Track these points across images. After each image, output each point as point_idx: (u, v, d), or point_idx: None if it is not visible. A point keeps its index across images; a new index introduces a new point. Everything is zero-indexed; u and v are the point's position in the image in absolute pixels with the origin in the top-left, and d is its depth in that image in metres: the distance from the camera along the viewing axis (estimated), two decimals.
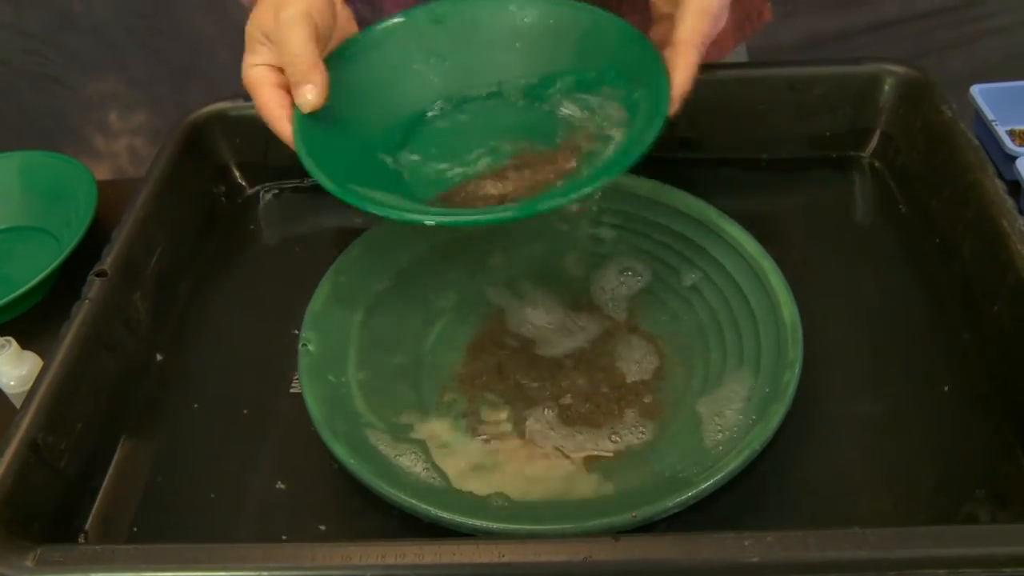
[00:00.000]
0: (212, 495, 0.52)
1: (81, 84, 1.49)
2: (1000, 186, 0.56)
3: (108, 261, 0.58)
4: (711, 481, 0.45)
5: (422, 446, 0.51)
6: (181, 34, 1.47)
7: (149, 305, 0.60)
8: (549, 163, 0.53)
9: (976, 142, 0.59)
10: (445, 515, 0.45)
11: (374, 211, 0.48)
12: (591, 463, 0.50)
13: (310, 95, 0.50)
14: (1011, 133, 0.77)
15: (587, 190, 0.48)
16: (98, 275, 0.57)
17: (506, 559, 0.40)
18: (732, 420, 0.50)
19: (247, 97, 0.70)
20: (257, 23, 0.52)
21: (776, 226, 0.61)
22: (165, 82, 1.51)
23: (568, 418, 0.53)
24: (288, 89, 0.52)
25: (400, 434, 0.52)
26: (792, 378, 0.50)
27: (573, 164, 0.53)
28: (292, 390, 0.57)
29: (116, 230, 0.60)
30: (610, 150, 0.52)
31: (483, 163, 0.55)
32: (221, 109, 0.70)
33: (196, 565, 0.41)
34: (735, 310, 0.56)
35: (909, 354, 0.55)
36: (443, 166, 0.55)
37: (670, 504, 0.45)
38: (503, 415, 0.53)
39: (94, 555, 0.42)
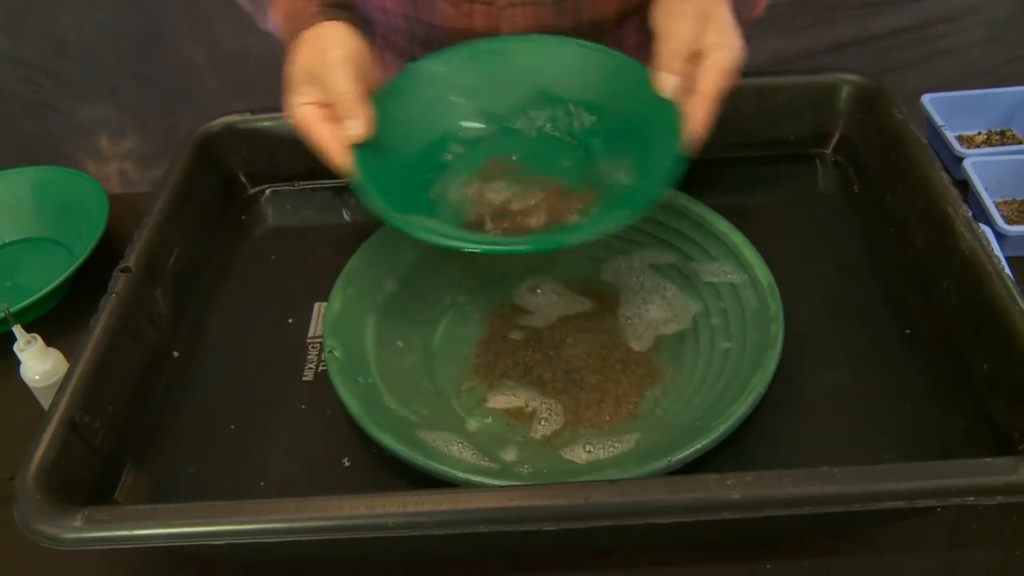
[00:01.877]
0: (232, 473, 0.56)
1: (73, 110, 1.52)
2: (946, 178, 0.62)
3: (131, 259, 0.62)
4: (728, 423, 0.51)
5: (453, 431, 0.55)
6: (171, 62, 1.51)
7: (169, 300, 0.64)
8: (565, 195, 0.59)
9: (924, 141, 0.65)
10: (496, 482, 0.49)
11: (425, 239, 0.53)
12: (615, 426, 0.55)
13: (359, 128, 0.55)
14: (959, 138, 0.84)
15: (613, 225, 0.54)
16: (123, 271, 0.61)
17: (515, 503, 0.44)
18: (730, 374, 0.56)
19: (254, 111, 0.76)
20: (301, 66, 0.57)
21: (751, 218, 0.66)
22: (155, 108, 1.55)
23: (582, 391, 0.58)
24: (336, 123, 0.56)
25: (430, 422, 0.56)
26: (779, 329, 0.55)
27: (589, 197, 0.58)
28: (304, 378, 0.62)
29: (137, 232, 0.64)
30: (625, 186, 0.57)
31: (507, 190, 0.60)
32: (230, 122, 0.75)
33: (232, 519, 0.45)
34: (715, 280, 0.62)
35: (871, 328, 0.61)
36: (470, 189, 0.60)
37: (698, 447, 0.50)
38: (522, 396, 0.58)
39: (137, 514, 0.46)
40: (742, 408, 0.52)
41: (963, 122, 0.85)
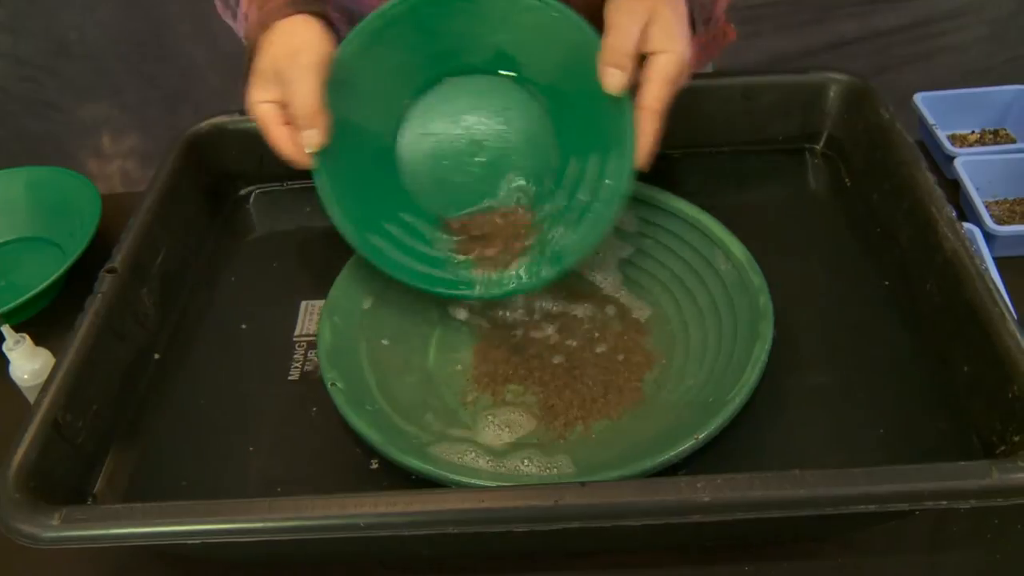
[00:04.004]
0: (217, 473, 0.56)
1: (75, 109, 1.54)
2: (931, 178, 0.61)
3: (118, 259, 0.62)
4: (743, 394, 0.52)
5: (468, 443, 0.55)
6: (172, 60, 1.52)
7: (156, 300, 0.64)
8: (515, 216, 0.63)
9: (911, 140, 0.65)
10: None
11: (388, 272, 0.60)
12: (625, 414, 0.56)
13: (316, 138, 0.55)
14: (952, 137, 0.84)
15: (577, 257, 0.59)
16: (109, 271, 0.61)
17: (485, 504, 0.44)
18: (727, 351, 0.56)
19: (243, 112, 0.76)
20: (270, 62, 0.56)
21: (738, 216, 0.65)
22: (156, 106, 1.56)
23: (584, 385, 0.58)
24: (294, 127, 0.56)
25: (444, 437, 0.55)
26: (767, 301, 0.56)
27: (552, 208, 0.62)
28: (290, 377, 0.62)
29: (124, 232, 0.65)
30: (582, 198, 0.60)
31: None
32: (219, 123, 0.75)
33: (207, 518, 0.46)
34: (690, 262, 0.63)
35: (856, 328, 0.61)
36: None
37: (720, 422, 0.51)
38: (528, 398, 0.58)
39: (114, 513, 0.46)
40: (752, 377, 0.52)
41: (957, 121, 0.85)
